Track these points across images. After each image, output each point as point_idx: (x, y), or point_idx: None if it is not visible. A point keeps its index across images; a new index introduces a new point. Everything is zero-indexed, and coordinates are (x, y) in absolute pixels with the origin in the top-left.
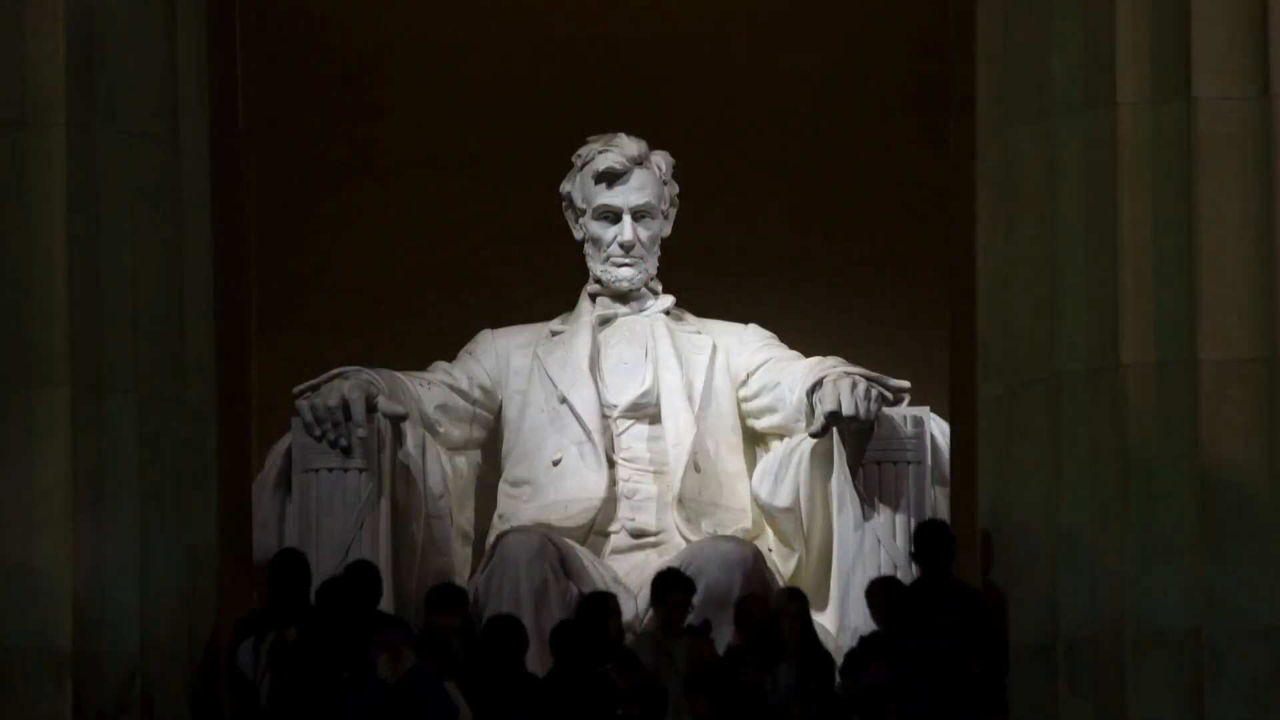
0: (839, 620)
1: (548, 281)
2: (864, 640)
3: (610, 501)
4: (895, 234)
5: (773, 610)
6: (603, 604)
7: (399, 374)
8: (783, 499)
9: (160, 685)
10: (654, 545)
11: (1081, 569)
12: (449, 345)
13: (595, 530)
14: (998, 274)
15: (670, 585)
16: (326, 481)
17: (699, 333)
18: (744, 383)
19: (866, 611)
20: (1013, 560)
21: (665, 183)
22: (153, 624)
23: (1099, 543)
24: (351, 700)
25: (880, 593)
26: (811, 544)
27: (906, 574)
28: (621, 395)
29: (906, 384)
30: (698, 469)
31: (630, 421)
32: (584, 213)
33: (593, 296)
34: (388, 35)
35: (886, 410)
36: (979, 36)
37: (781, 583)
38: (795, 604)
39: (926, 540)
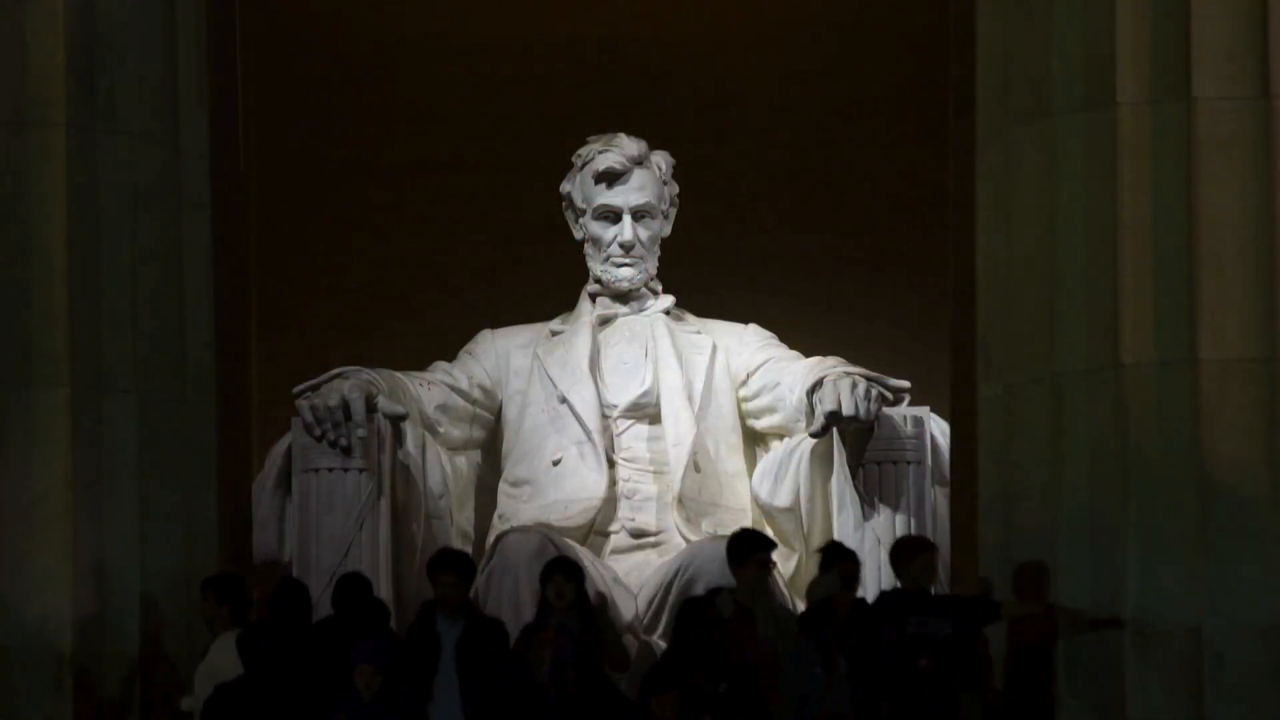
0: None
1: (548, 281)
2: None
3: (610, 501)
4: (895, 234)
5: (818, 598)
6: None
7: (399, 374)
8: (783, 499)
9: (160, 685)
10: (654, 545)
11: (1082, 569)
12: (449, 345)
13: (595, 530)
14: (998, 274)
15: (750, 546)
16: (326, 481)
17: (699, 333)
18: (744, 383)
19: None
20: (1013, 560)
21: (665, 183)
22: (153, 624)
23: (1099, 543)
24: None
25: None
26: (811, 544)
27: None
28: (621, 395)
29: (906, 384)
30: (698, 469)
31: (630, 421)
32: (584, 213)
33: (593, 296)
34: (389, 35)
35: (886, 410)
36: (979, 36)
37: (782, 584)
38: (850, 591)
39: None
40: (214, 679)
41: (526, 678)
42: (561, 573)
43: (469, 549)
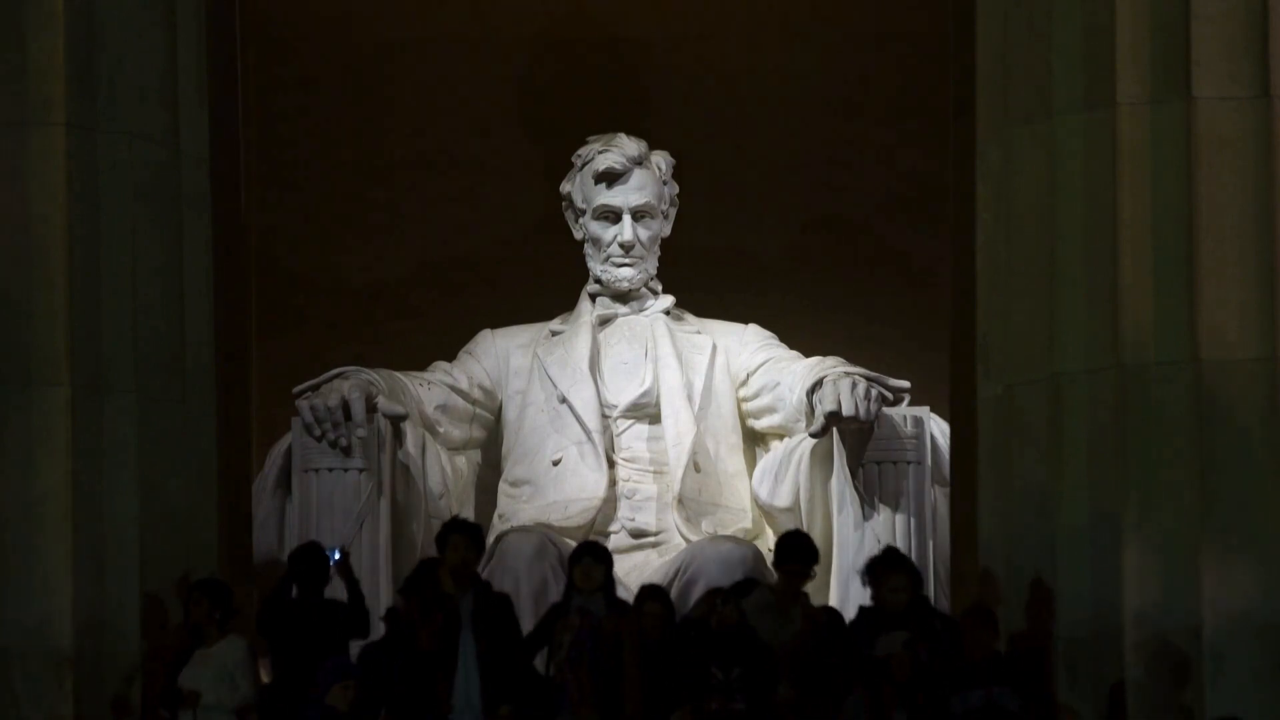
0: None
1: (548, 281)
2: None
3: (610, 501)
4: (895, 234)
5: (880, 654)
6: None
7: (399, 374)
8: (783, 499)
9: (160, 685)
10: (654, 545)
11: (1081, 569)
12: (449, 345)
13: (595, 530)
14: (998, 274)
15: (783, 556)
16: (326, 481)
17: (699, 333)
18: (744, 383)
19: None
20: (1013, 560)
21: (665, 183)
22: (153, 624)
23: (1099, 543)
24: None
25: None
26: None
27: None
28: (621, 395)
29: (906, 384)
30: (698, 469)
31: (630, 421)
32: (584, 213)
33: (593, 296)
34: (388, 34)
35: (886, 410)
36: (979, 36)
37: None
38: (909, 651)
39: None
40: (223, 682)
41: (546, 656)
42: (591, 555)
43: None
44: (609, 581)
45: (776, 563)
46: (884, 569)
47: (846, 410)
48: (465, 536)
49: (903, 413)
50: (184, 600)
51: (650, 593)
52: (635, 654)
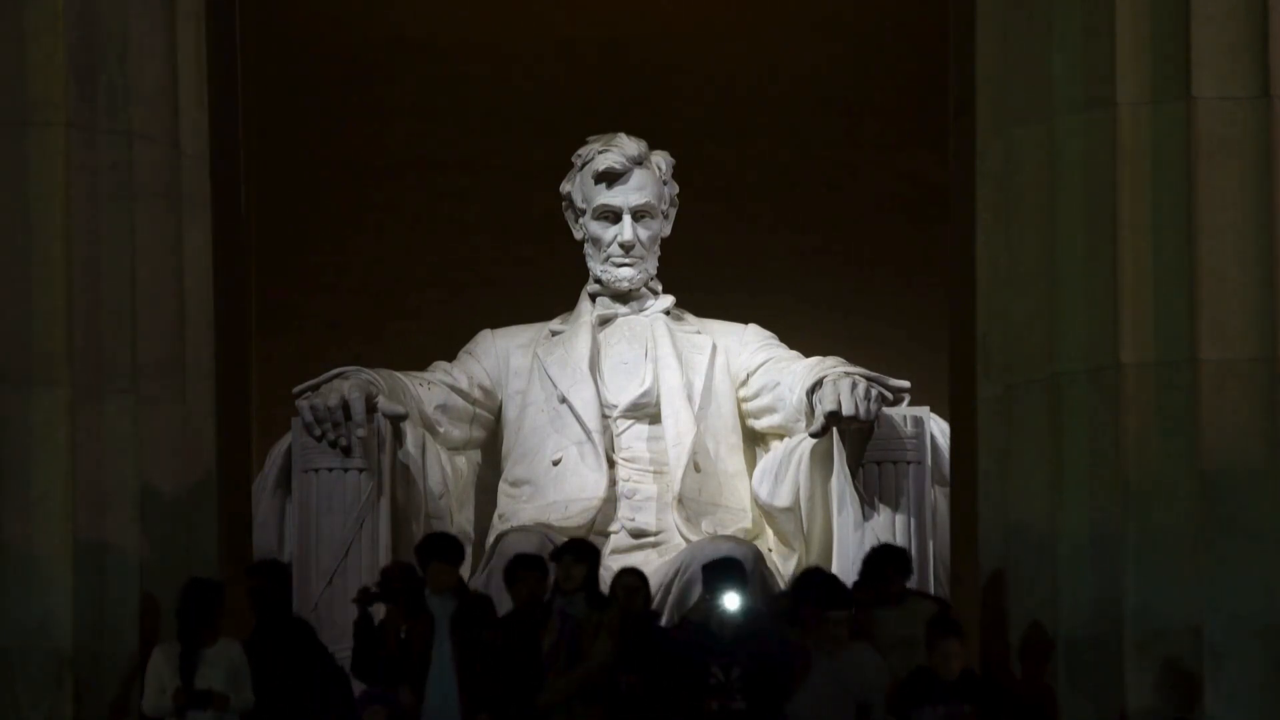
0: None
1: (548, 281)
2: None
3: (610, 501)
4: (895, 234)
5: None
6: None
7: (399, 374)
8: (783, 499)
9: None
10: (654, 545)
11: (1081, 569)
12: (449, 345)
13: (595, 530)
14: (998, 274)
15: (824, 596)
16: (326, 481)
17: (699, 333)
18: (744, 382)
19: None
20: (1013, 560)
21: (665, 183)
22: (153, 624)
23: (1099, 542)
24: None
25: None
26: (811, 544)
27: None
28: (621, 395)
29: (906, 384)
30: (698, 469)
31: (630, 421)
32: (584, 213)
33: (593, 296)
34: (389, 35)
35: (886, 410)
36: (979, 36)
37: (781, 584)
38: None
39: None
40: (234, 682)
41: (526, 655)
42: (572, 554)
43: (469, 549)
44: (590, 581)
45: (804, 602)
46: (939, 631)
47: (846, 410)
48: (445, 563)
49: (903, 413)
50: (192, 599)
51: (626, 570)
52: (614, 643)
